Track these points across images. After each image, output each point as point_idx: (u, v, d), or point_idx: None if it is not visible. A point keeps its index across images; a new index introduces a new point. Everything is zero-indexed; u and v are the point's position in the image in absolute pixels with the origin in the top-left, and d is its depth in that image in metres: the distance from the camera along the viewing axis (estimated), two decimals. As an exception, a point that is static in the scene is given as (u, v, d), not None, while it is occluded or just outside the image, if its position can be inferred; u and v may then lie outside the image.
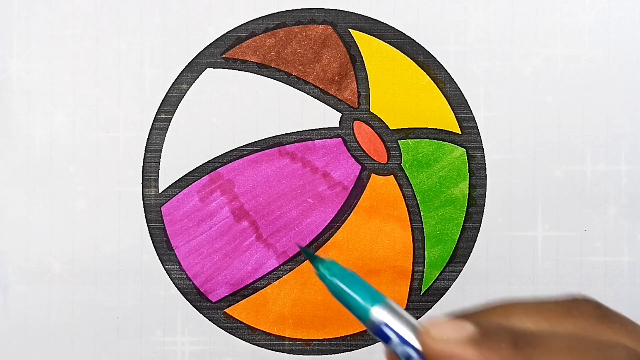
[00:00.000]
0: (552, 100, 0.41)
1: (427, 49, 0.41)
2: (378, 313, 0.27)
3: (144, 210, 0.41)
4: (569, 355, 0.23)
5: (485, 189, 0.41)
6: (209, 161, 0.41)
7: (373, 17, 0.41)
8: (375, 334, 0.27)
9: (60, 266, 0.41)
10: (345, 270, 0.28)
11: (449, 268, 0.41)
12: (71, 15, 0.41)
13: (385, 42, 0.41)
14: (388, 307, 0.27)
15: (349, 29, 0.41)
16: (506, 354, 0.23)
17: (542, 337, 0.24)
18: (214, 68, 0.41)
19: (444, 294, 0.41)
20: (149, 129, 0.41)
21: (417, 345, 0.26)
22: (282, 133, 0.41)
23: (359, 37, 0.41)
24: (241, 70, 0.41)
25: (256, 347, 0.41)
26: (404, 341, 0.26)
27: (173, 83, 0.41)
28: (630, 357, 0.23)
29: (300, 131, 0.41)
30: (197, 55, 0.41)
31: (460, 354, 0.24)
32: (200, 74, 0.41)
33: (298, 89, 0.41)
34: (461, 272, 0.41)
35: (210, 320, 0.41)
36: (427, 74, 0.41)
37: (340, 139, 0.41)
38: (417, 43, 0.41)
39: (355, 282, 0.28)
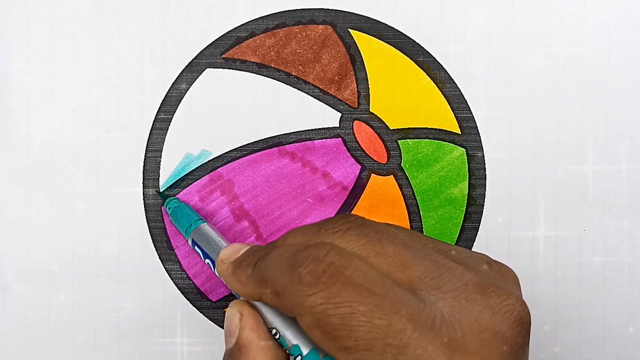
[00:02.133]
0: (552, 100, 0.41)
1: (427, 49, 0.41)
2: (193, 233, 0.38)
3: (144, 210, 0.41)
4: (276, 262, 0.30)
5: (485, 189, 0.41)
6: (209, 161, 0.41)
7: (373, 17, 0.41)
8: (194, 249, 0.38)
9: (60, 266, 0.41)
10: (181, 204, 0.40)
11: (449, 268, 0.41)
12: (71, 15, 0.41)
13: (385, 42, 0.41)
14: (201, 231, 0.38)
15: (349, 29, 0.41)
16: (248, 271, 0.32)
17: (271, 250, 0.31)
18: (213, 68, 0.41)
19: (443, 293, 0.41)
20: (149, 129, 0.41)
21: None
22: (282, 133, 0.41)
23: (358, 37, 0.41)
24: (241, 70, 0.41)
25: (256, 347, 0.41)
26: (205, 255, 0.37)
27: (173, 83, 0.41)
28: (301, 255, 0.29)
29: (300, 131, 0.41)
30: (197, 56, 0.41)
31: (224, 272, 0.33)
32: (200, 74, 0.41)
33: (298, 89, 0.41)
34: (461, 272, 0.41)
35: (210, 320, 0.41)
36: (427, 74, 0.41)
37: (340, 138, 0.41)
38: (417, 43, 0.41)
39: (184, 213, 0.40)
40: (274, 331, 0.32)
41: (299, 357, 0.31)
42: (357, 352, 0.27)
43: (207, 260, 0.37)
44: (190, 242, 0.39)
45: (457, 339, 0.27)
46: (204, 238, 0.38)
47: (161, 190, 0.41)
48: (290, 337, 0.32)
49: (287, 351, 0.32)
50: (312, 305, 0.28)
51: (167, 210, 0.40)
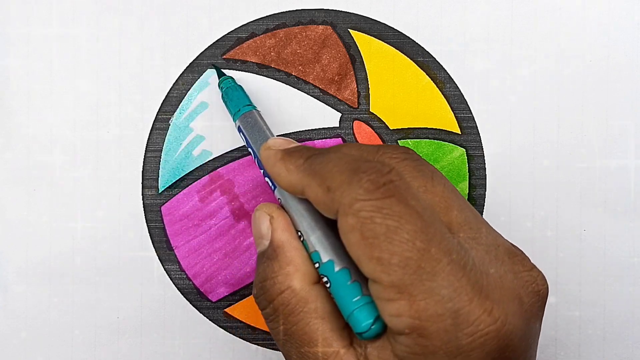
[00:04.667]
0: (552, 100, 0.41)
1: (427, 49, 0.41)
2: (241, 118, 0.38)
3: (144, 210, 0.41)
4: (336, 161, 0.30)
5: (485, 189, 0.41)
6: (209, 161, 0.41)
7: (372, 18, 0.41)
8: (239, 134, 0.38)
9: (60, 266, 0.41)
10: (235, 85, 0.39)
11: (449, 268, 0.41)
12: (71, 15, 0.41)
13: (385, 42, 0.41)
14: (248, 117, 0.37)
15: (349, 29, 0.41)
16: (299, 161, 0.32)
17: (328, 152, 0.31)
18: (214, 69, 0.41)
19: (443, 294, 0.41)
20: (149, 129, 0.41)
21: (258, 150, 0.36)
22: (282, 133, 0.41)
23: (358, 37, 0.41)
24: (241, 71, 0.41)
25: (256, 346, 0.41)
26: (248, 143, 0.37)
27: (174, 83, 0.41)
28: (350, 170, 0.30)
29: (300, 131, 0.41)
30: (198, 56, 0.41)
31: (269, 157, 0.34)
32: (201, 74, 0.41)
33: (298, 89, 0.41)
34: (461, 272, 0.41)
35: (210, 320, 0.41)
36: (427, 74, 0.41)
37: (340, 139, 0.41)
38: (417, 43, 0.41)
39: (235, 95, 0.39)
40: (298, 233, 0.33)
41: (317, 265, 0.32)
42: (389, 266, 0.28)
43: (250, 149, 0.37)
44: (236, 127, 0.39)
45: (482, 285, 0.28)
46: (250, 125, 0.38)
47: (160, 191, 0.41)
48: (314, 242, 0.32)
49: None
50: (362, 209, 0.29)
51: (220, 89, 0.40)
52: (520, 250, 0.32)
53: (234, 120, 0.39)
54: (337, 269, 0.31)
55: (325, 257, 0.32)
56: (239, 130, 0.38)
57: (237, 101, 0.39)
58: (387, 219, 0.28)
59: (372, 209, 0.29)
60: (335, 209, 0.30)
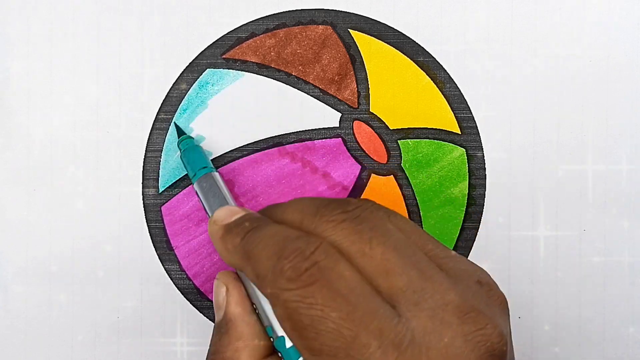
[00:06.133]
0: (552, 100, 0.41)
1: (427, 49, 0.41)
2: (197, 182, 0.38)
3: (144, 210, 0.41)
4: (265, 243, 0.30)
5: (485, 189, 0.41)
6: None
7: (373, 18, 0.41)
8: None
9: (60, 266, 0.41)
10: (193, 146, 0.39)
11: (449, 268, 0.41)
12: (71, 15, 0.41)
13: (385, 42, 0.41)
14: (202, 183, 0.37)
15: (349, 30, 0.41)
16: (236, 240, 0.31)
17: (264, 225, 0.31)
18: (214, 68, 0.41)
19: (443, 294, 0.41)
20: (149, 129, 0.41)
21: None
22: (282, 133, 0.41)
23: (358, 37, 0.41)
24: (241, 71, 0.41)
25: (256, 347, 0.41)
26: (204, 208, 0.37)
27: (174, 83, 0.41)
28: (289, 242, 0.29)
29: (300, 131, 0.41)
30: (197, 56, 0.41)
31: (212, 234, 0.33)
32: (201, 74, 0.41)
33: (298, 89, 0.41)
34: (461, 272, 0.41)
35: (210, 320, 0.41)
36: (427, 74, 0.41)
37: (340, 139, 0.41)
38: (417, 43, 0.41)
39: (192, 158, 0.39)
40: (254, 306, 0.33)
41: (272, 339, 0.32)
42: (321, 356, 0.28)
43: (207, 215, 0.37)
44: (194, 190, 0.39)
45: None
46: (205, 191, 0.37)
47: (160, 191, 0.41)
48: (267, 316, 0.32)
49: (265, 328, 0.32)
50: (287, 299, 0.28)
51: (179, 148, 0.40)
52: (487, 287, 0.30)
53: (192, 183, 0.39)
54: (288, 345, 0.31)
55: (277, 332, 0.31)
56: (196, 194, 0.38)
57: (193, 164, 0.39)
58: (311, 310, 0.28)
59: (296, 299, 0.28)
60: (267, 297, 0.30)
